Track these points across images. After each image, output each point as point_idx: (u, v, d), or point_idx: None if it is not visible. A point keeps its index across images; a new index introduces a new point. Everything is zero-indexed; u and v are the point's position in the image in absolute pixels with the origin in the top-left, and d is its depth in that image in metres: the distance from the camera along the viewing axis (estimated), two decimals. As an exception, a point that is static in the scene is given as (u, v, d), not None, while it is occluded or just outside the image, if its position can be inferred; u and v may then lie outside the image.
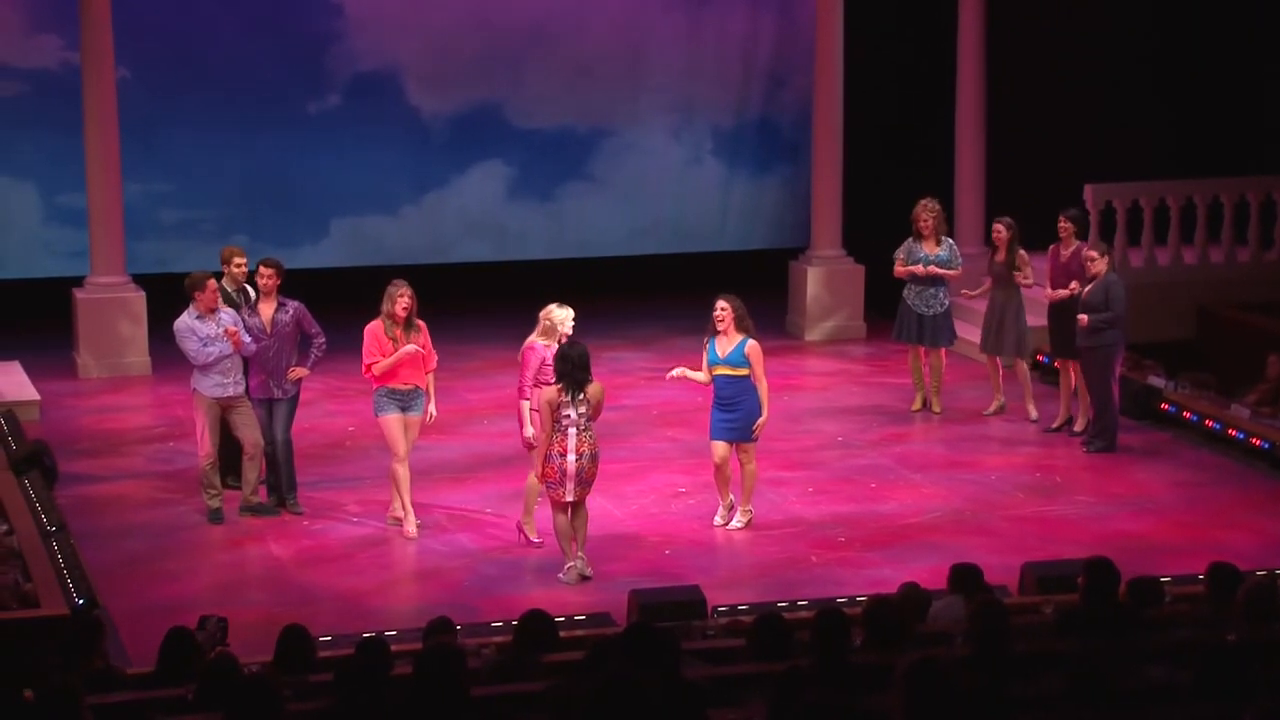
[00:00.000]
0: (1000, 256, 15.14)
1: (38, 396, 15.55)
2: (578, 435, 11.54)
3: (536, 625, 8.51)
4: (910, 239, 15.38)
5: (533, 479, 12.16)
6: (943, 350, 15.53)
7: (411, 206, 18.81)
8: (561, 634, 8.77)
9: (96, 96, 16.53)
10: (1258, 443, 14.28)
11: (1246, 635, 7.88)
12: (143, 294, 16.90)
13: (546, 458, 11.56)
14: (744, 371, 12.44)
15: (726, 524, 12.67)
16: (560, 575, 11.74)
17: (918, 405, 15.54)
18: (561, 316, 12.13)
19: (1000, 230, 15.16)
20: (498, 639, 9.47)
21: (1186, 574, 10.73)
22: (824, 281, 18.44)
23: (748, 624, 8.94)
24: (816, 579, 11.76)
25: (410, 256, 17.70)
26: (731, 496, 12.70)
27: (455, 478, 13.75)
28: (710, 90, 19.45)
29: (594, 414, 11.64)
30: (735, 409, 12.44)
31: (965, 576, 9.55)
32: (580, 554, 11.77)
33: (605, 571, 11.86)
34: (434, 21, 18.65)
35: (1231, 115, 19.59)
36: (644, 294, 19.03)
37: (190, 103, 18.01)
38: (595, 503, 13.14)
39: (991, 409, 15.38)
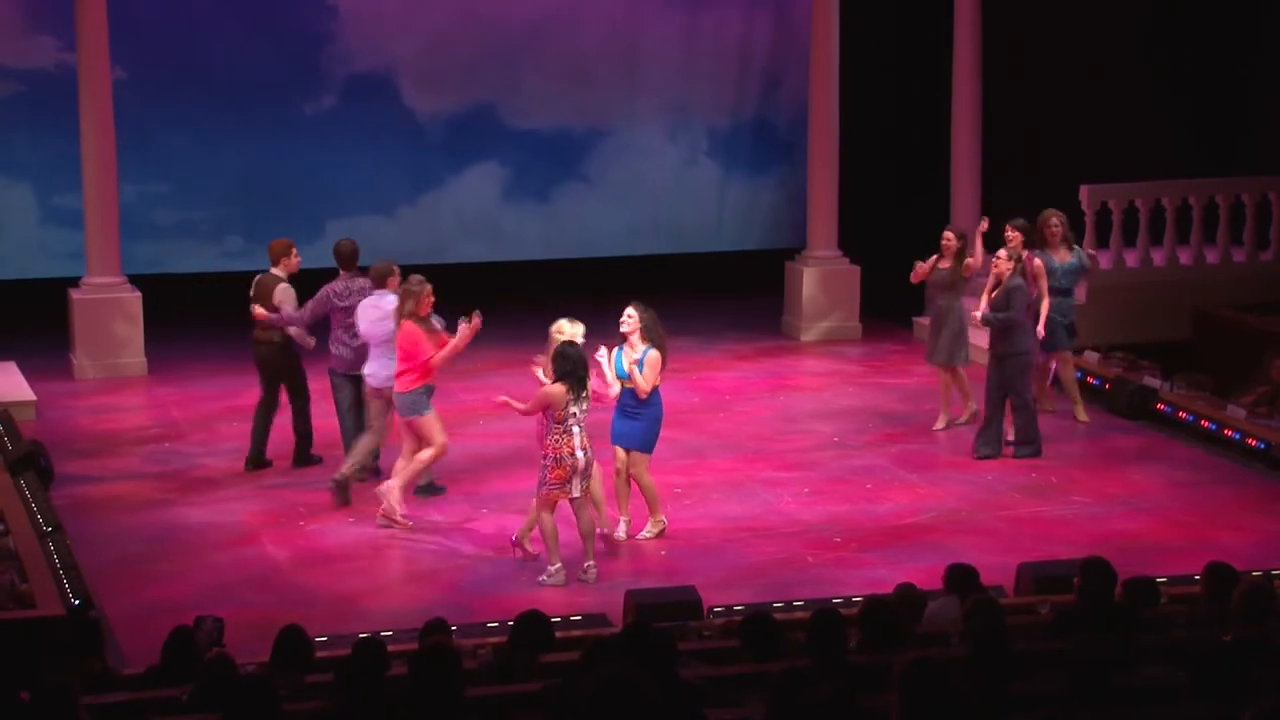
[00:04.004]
0: (947, 264, 14.82)
1: (34, 397, 15.54)
2: (581, 432, 11.60)
3: (532, 626, 8.51)
4: (1043, 249, 14.88)
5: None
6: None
7: (407, 207, 18.81)
8: (557, 634, 8.77)
9: (92, 97, 16.51)
10: (1254, 443, 14.29)
11: (1243, 635, 7.88)
12: (139, 295, 16.89)
13: (557, 460, 11.53)
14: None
15: (631, 536, 12.47)
16: (542, 578, 11.67)
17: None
18: (572, 330, 12.13)
19: (950, 239, 14.84)
20: (493, 639, 9.47)
21: (1183, 574, 10.75)
22: (820, 282, 18.43)
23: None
24: (812, 579, 11.75)
25: (406, 257, 17.51)
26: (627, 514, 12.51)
27: (451, 479, 13.73)
28: (706, 91, 19.45)
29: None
30: (637, 419, 12.35)
31: (961, 577, 9.55)
32: (591, 560, 11.76)
33: (601, 571, 11.85)
34: (429, 22, 18.65)
35: (1227, 115, 19.60)
36: (639, 295, 18.97)
37: (186, 103, 18.01)
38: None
39: (965, 418, 15.00)
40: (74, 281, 17.06)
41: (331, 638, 9.82)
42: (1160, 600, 9.42)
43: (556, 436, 11.54)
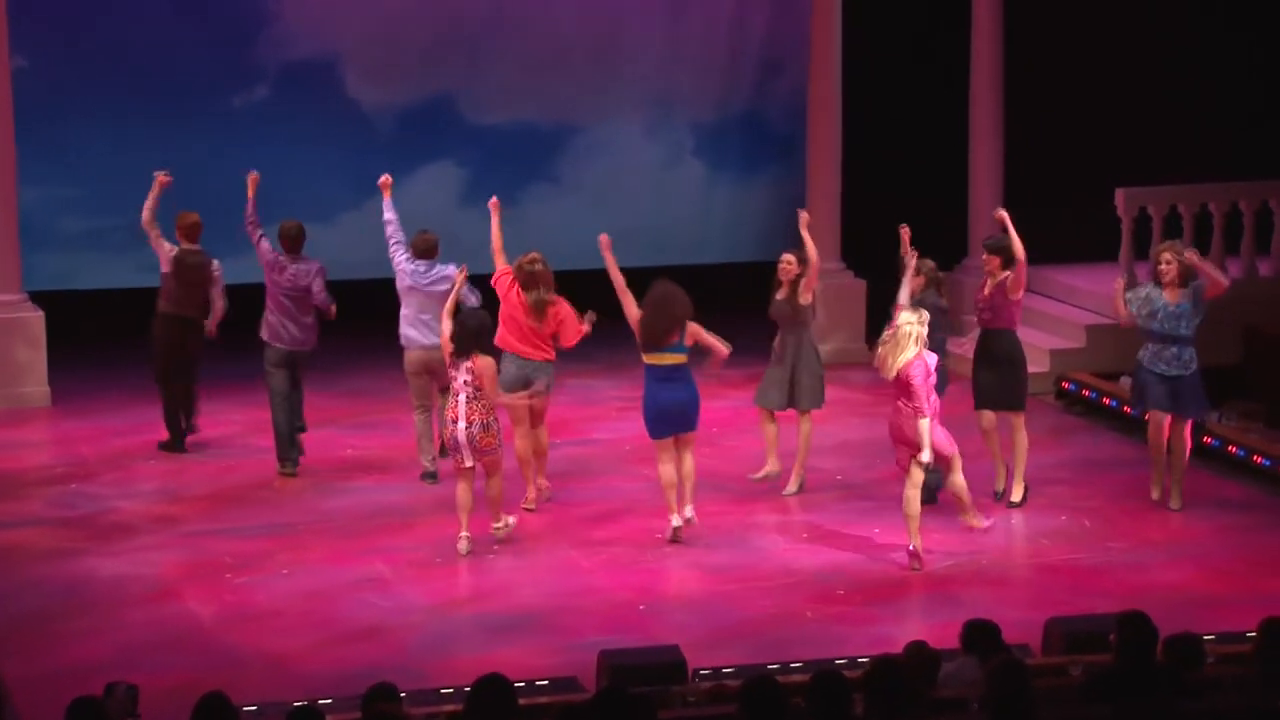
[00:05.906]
0: (783, 294, 14.37)
1: (-78, 431, 15.54)
2: (468, 403, 12.82)
3: (492, 691, 8.49)
4: (1150, 284, 14.19)
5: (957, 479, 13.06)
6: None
7: (352, 213, 18.75)
8: (521, 701, 8.76)
9: (-11, 88, 16.54)
10: (1314, 481, 14.36)
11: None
12: (41, 314, 16.86)
13: (442, 424, 13.14)
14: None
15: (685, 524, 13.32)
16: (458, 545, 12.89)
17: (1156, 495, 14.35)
18: (914, 321, 12.87)
19: (790, 263, 14.39)
20: (448, 707, 9.50)
21: (1233, 631, 10.79)
22: (821, 299, 18.40)
23: (734, 689, 8.95)
24: (812, 637, 11.77)
25: (350, 270, 17.64)
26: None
27: (402, 522, 13.74)
28: (691, 81, 19.48)
29: (481, 386, 12.85)
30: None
31: (981, 634, 9.58)
32: (506, 518, 13.07)
33: (572, 629, 11.86)
34: (377, 3, 18.67)
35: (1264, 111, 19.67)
36: (616, 313, 19.04)
37: (97, 95, 18.00)
38: (559, 551, 13.19)
39: (760, 474, 14.45)
40: (-33, 299, 17.04)
41: (261, 706, 9.83)
42: (1206, 660, 9.44)
43: (446, 399, 13.10)
